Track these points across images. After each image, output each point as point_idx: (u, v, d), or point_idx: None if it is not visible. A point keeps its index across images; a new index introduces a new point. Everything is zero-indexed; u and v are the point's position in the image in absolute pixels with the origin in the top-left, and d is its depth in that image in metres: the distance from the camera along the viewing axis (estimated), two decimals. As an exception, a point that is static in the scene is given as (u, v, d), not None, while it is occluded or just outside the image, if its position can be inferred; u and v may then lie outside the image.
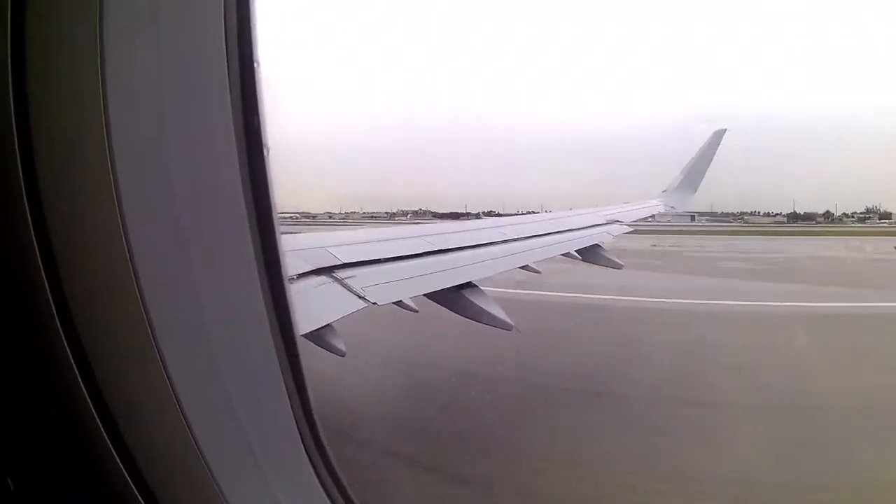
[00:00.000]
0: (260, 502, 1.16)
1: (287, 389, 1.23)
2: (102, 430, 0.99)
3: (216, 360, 1.10)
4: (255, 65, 1.14)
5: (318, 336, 3.53)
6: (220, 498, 1.07)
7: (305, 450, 1.28)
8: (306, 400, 1.28)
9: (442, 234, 5.88)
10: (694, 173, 12.38)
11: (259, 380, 1.20)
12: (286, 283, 1.23)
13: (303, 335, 3.29)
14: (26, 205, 0.94)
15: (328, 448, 1.32)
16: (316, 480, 1.29)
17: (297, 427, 1.26)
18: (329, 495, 1.31)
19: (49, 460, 1.03)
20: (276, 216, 1.18)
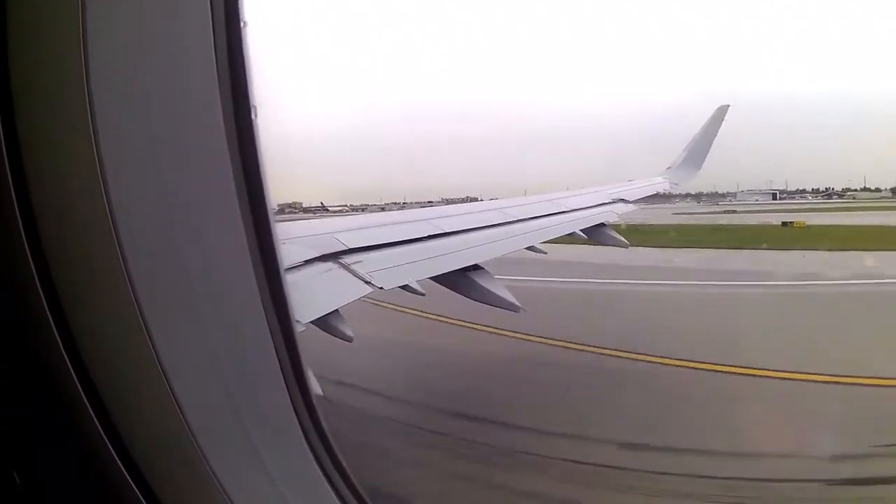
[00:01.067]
0: (259, 491, 1.15)
1: (285, 378, 1.22)
2: (98, 425, 0.99)
3: (211, 350, 1.09)
4: (244, 48, 1.11)
5: (325, 322, 3.54)
6: (218, 488, 1.06)
7: (306, 437, 1.27)
8: (305, 387, 1.27)
9: (448, 216, 5.86)
10: (698, 150, 12.24)
11: (256, 369, 1.19)
12: (282, 268, 1.21)
13: (310, 322, 3.30)
14: (14, 199, 0.93)
15: (329, 434, 1.31)
16: (316, 466, 1.29)
17: (297, 415, 1.25)
18: (330, 481, 1.31)
19: (49, 455, 1.03)
20: (269, 203, 1.16)
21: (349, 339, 3.67)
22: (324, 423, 1.30)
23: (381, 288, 4.01)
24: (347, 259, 4.11)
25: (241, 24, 1.10)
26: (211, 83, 1.06)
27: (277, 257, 1.18)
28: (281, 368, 1.21)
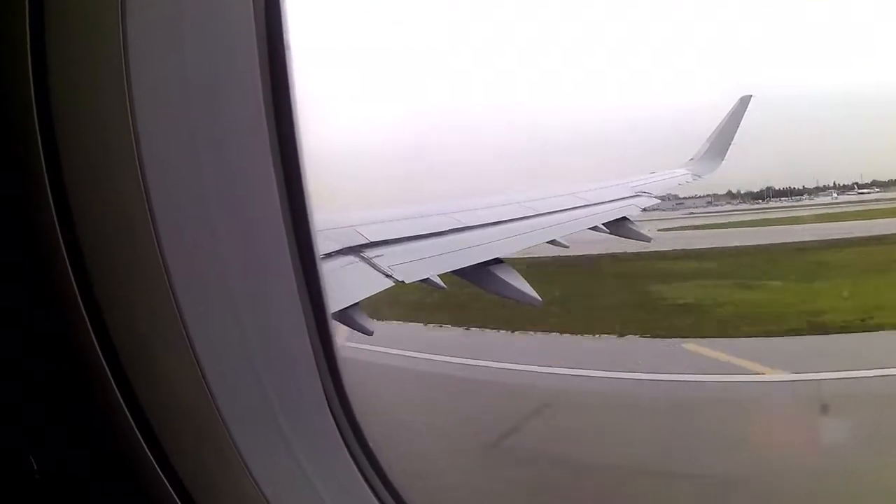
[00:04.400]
0: (288, 479, 1.15)
1: (319, 368, 1.22)
2: (126, 409, 0.98)
3: (245, 337, 1.09)
4: (286, 45, 1.11)
5: (345, 315, 3.54)
6: (246, 475, 1.06)
7: (338, 427, 1.26)
8: (338, 377, 1.27)
9: (469, 210, 5.83)
10: (721, 141, 12.06)
11: (290, 357, 1.19)
12: (318, 259, 1.22)
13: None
14: (50, 196, 0.93)
15: (361, 423, 1.31)
16: (348, 455, 1.28)
17: (329, 404, 1.25)
18: (362, 471, 1.30)
19: (71, 440, 1.03)
20: (307, 194, 1.16)
21: (369, 333, 3.68)
22: (356, 412, 1.30)
23: (402, 282, 4.01)
24: (368, 253, 4.11)
25: (286, 44, 1.12)
26: (252, 78, 1.06)
27: (314, 249, 1.18)
28: (315, 358, 1.20)
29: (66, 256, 0.94)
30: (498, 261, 4.99)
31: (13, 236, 0.96)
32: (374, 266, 4.01)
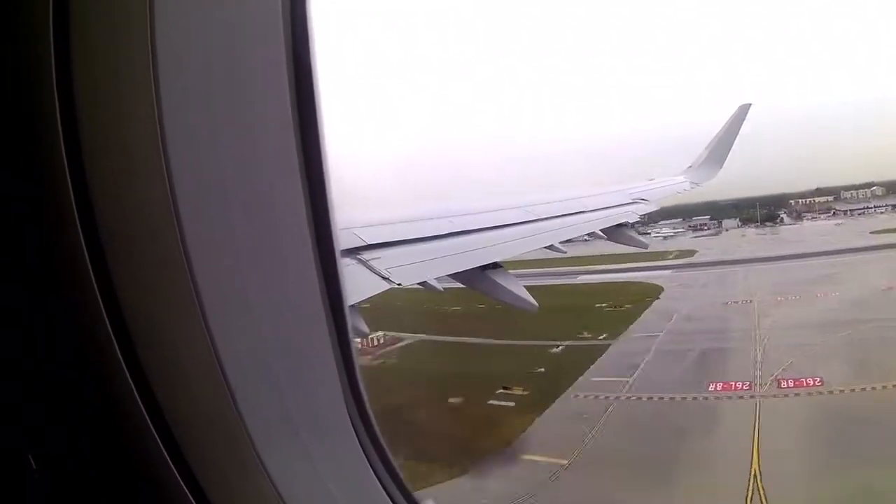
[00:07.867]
0: (304, 479, 1.15)
1: (338, 372, 1.22)
2: (143, 408, 0.98)
3: (267, 341, 1.09)
4: (311, 50, 1.12)
5: None
6: (264, 476, 1.05)
7: (355, 431, 1.27)
8: (356, 381, 1.27)
9: (468, 214, 5.82)
10: (719, 148, 12.07)
11: (309, 361, 1.19)
12: (341, 273, 1.22)
13: None
14: (72, 198, 0.92)
15: (374, 421, 1.31)
16: (365, 460, 1.28)
17: (347, 409, 1.25)
18: (378, 476, 1.30)
19: (92, 442, 1.02)
20: (331, 199, 1.16)
21: (364, 335, 3.68)
22: (372, 417, 1.30)
23: (399, 284, 3.99)
24: (366, 255, 4.09)
25: (311, 46, 1.12)
26: (279, 82, 1.06)
27: (336, 255, 1.19)
28: (334, 363, 1.20)
29: (87, 258, 0.94)
30: (496, 265, 4.98)
31: (36, 238, 0.95)
32: (371, 268, 3.99)
